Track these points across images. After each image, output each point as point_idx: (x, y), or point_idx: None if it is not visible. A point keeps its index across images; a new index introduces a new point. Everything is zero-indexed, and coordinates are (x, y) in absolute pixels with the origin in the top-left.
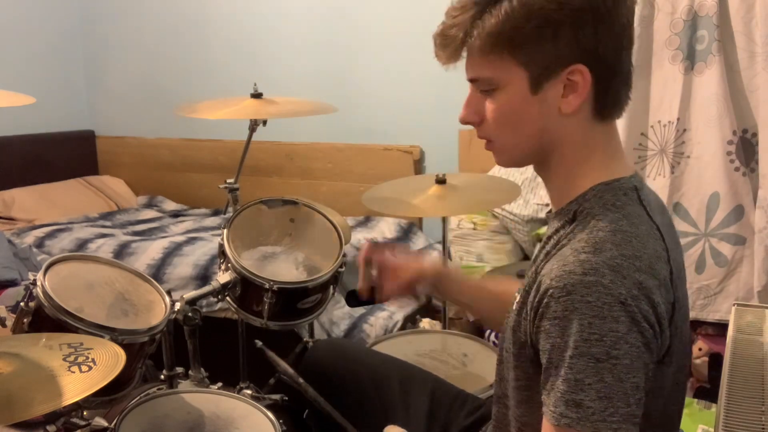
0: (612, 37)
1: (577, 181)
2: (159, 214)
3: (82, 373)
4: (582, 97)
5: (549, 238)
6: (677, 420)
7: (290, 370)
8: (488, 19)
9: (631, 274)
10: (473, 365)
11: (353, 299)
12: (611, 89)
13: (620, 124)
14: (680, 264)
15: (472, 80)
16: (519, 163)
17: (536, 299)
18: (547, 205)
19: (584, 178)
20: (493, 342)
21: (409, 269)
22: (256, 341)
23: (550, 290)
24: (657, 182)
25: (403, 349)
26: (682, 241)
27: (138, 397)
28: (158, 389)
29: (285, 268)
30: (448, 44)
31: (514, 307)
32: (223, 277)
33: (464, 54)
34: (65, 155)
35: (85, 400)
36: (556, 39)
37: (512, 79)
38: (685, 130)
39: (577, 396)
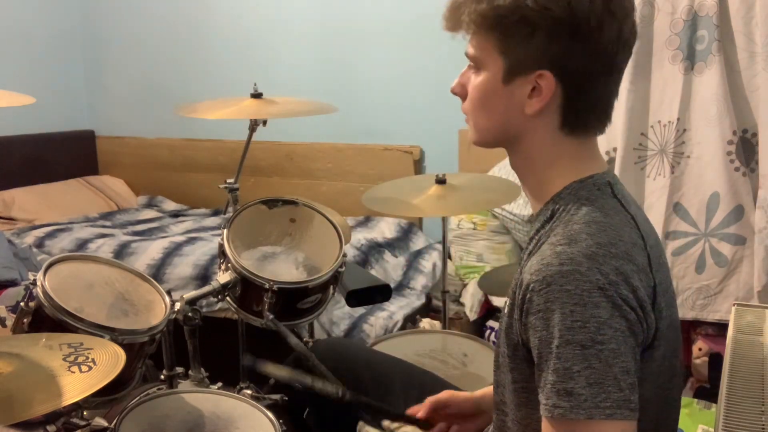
0: (586, 57)
1: (551, 182)
2: (159, 214)
3: (82, 373)
4: (543, 103)
5: (531, 239)
6: (676, 408)
7: (301, 345)
8: (480, 2)
9: (608, 261)
10: (473, 365)
11: (353, 299)
12: (578, 109)
13: (620, 124)
14: (658, 252)
15: (466, 55)
16: (485, 143)
17: (520, 297)
18: None
19: (557, 178)
20: (493, 342)
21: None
22: (267, 313)
23: (531, 285)
24: (657, 182)
25: (403, 349)
26: (682, 241)
27: (138, 397)
28: (158, 389)
29: (285, 268)
30: (450, 16)
31: (505, 311)
32: (223, 277)
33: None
34: (65, 155)
35: (85, 400)
36: (531, 40)
37: (491, 63)
38: (685, 130)
39: (567, 384)
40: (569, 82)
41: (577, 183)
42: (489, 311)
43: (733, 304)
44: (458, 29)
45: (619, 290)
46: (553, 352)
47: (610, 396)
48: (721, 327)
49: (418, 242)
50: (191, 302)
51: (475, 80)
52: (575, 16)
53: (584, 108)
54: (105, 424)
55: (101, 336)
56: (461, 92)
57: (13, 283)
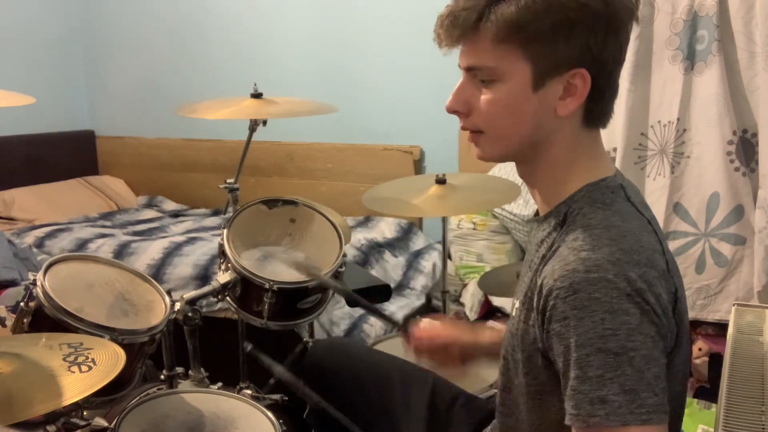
0: (616, 48)
1: (565, 183)
2: (159, 214)
3: (82, 373)
4: (579, 102)
5: (542, 241)
6: (683, 410)
7: (287, 375)
8: (506, 7)
9: (632, 268)
10: (473, 365)
11: (353, 299)
12: (603, 99)
13: (620, 124)
14: (671, 256)
15: (469, 68)
16: (504, 158)
17: (541, 303)
18: None
19: (572, 180)
20: None
21: (460, 344)
22: (246, 344)
23: (555, 291)
24: (657, 182)
25: (403, 349)
26: (682, 241)
27: (138, 397)
28: (158, 389)
29: (285, 268)
30: (457, 26)
31: (514, 314)
32: (223, 277)
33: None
34: (65, 155)
35: (85, 400)
36: (569, 39)
37: (516, 71)
38: (685, 130)
39: (600, 392)
40: (601, 76)
41: (591, 186)
42: (489, 311)
43: (733, 304)
44: (466, 40)
45: (646, 297)
46: (582, 360)
47: (646, 402)
48: (721, 327)
49: (418, 242)
50: (191, 302)
51: (494, 94)
52: (610, 9)
53: (606, 100)
54: (105, 424)
55: (101, 336)
56: (466, 110)
57: (13, 283)
